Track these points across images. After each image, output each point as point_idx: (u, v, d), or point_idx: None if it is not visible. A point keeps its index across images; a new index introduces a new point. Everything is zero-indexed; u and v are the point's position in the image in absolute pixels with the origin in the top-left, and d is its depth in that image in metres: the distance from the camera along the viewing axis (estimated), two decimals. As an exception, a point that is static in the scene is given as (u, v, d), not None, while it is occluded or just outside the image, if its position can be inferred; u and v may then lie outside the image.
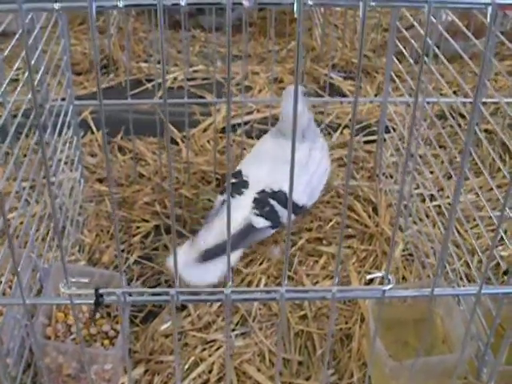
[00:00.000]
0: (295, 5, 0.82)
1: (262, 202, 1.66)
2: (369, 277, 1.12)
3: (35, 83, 1.41)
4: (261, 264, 1.77)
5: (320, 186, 1.79)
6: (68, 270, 1.07)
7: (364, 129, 2.30)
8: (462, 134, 1.52)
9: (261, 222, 1.64)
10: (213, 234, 1.59)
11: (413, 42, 1.71)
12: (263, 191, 1.68)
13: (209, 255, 1.55)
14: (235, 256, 1.62)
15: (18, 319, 1.40)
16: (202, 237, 1.60)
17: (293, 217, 1.71)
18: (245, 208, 1.65)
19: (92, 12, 0.80)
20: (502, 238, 1.56)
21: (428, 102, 1.79)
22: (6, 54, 1.31)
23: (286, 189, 1.62)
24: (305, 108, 1.77)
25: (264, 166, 1.74)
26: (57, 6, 0.82)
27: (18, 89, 1.38)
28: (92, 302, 1.08)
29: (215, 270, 1.53)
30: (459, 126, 1.62)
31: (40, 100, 1.64)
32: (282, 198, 1.67)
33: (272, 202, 1.66)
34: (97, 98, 0.89)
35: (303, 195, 1.71)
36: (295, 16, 0.82)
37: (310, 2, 0.84)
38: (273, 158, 1.74)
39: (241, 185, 1.71)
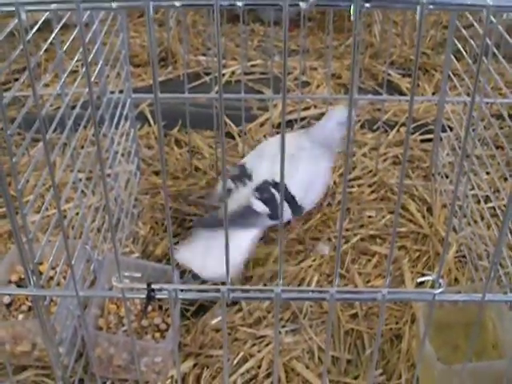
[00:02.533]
0: (352, 7, 0.82)
1: (264, 190, 1.68)
2: (419, 279, 1.12)
3: (93, 76, 1.43)
4: (314, 260, 1.77)
5: (315, 192, 1.79)
6: (121, 263, 1.08)
7: (420, 127, 2.28)
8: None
9: (260, 207, 1.66)
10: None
11: (472, 41, 1.69)
12: (266, 181, 1.69)
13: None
14: (245, 242, 1.64)
15: (71, 310, 1.42)
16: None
17: (290, 215, 1.74)
18: (247, 197, 1.69)
19: (149, 11, 0.81)
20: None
21: (486, 102, 1.77)
22: (65, 48, 1.32)
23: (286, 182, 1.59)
24: (342, 133, 1.78)
25: (268, 160, 1.75)
26: (114, 5, 0.82)
27: (78, 81, 1.39)
28: (144, 296, 1.09)
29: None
30: (517, 126, 1.60)
31: (98, 92, 1.66)
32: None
33: (273, 190, 1.67)
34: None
35: (300, 191, 1.71)
36: (352, 18, 0.82)
37: (368, 5, 0.83)
38: (277, 154, 1.77)
39: (244, 176, 1.73)
